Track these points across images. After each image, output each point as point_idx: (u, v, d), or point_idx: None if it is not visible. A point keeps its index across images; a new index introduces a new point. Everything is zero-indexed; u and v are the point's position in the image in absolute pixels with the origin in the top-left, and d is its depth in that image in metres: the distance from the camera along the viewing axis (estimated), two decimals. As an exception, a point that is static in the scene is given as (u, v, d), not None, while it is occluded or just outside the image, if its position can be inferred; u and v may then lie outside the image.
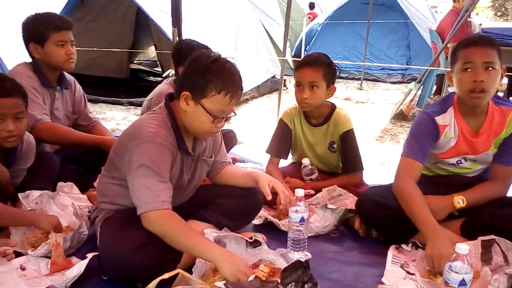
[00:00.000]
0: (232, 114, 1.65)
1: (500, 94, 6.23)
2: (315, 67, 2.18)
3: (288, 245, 1.79)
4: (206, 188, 1.91)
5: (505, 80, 5.74)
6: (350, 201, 2.11)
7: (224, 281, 1.42)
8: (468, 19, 5.57)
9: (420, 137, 1.89)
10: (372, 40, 7.72)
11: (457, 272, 1.34)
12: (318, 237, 2.00)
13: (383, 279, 1.60)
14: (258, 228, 2.02)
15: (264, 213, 2.05)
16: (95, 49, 5.03)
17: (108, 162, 1.71)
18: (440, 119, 1.87)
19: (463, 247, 1.33)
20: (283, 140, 2.42)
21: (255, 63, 6.32)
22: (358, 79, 8.04)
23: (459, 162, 1.92)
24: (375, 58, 8.17)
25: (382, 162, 3.33)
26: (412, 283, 1.59)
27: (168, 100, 1.68)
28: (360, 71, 8.06)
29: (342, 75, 8.77)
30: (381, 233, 1.95)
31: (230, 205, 1.82)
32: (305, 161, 2.30)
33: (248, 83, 5.97)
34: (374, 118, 5.14)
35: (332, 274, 1.70)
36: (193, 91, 1.56)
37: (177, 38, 3.30)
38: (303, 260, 1.49)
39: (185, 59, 2.38)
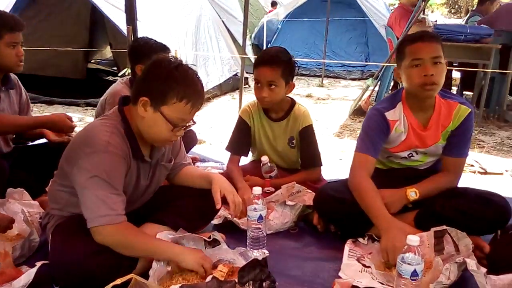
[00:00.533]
0: (192, 122, 1.61)
1: (454, 88, 6.50)
2: (273, 67, 2.16)
3: (247, 243, 1.79)
4: (162, 190, 1.87)
5: (458, 75, 5.99)
6: (308, 197, 2.13)
7: (180, 285, 1.40)
8: (422, 16, 5.75)
9: (372, 133, 1.93)
10: (331, 37, 7.85)
11: (409, 264, 1.37)
12: (277, 234, 2.01)
13: (340, 273, 1.62)
14: (218, 228, 2.01)
15: (223, 213, 2.04)
16: (48, 48, 4.83)
17: (59, 168, 1.64)
18: (389, 115, 1.92)
19: (413, 238, 1.36)
20: (242, 137, 2.41)
21: (216, 61, 6.28)
22: (319, 76, 8.15)
23: (410, 155, 1.98)
24: (335, 55, 8.31)
25: (341, 157, 3.39)
26: (368, 276, 1.62)
27: (122, 104, 1.61)
28: (321, 68, 8.17)
29: (303, 72, 8.88)
30: (338, 227, 1.99)
31: (187, 206, 1.79)
32: (264, 158, 2.31)
33: (210, 82, 5.93)
34: (334, 114, 5.22)
35: (291, 270, 1.71)
36: (152, 98, 1.50)
37: (133, 36, 3.22)
38: (260, 258, 1.49)
39: (142, 58, 2.38)
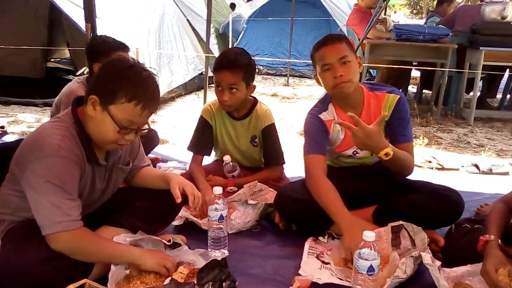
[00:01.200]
0: (146, 128, 1.56)
1: (414, 87, 6.69)
2: (234, 71, 2.13)
3: (208, 244, 1.78)
4: (120, 191, 1.82)
5: (418, 73, 6.17)
6: (270, 195, 2.13)
7: (136, 288, 1.37)
8: (384, 16, 5.89)
9: (314, 134, 1.98)
10: (296, 36, 7.91)
11: (365, 259, 1.39)
12: (239, 233, 2.01)
13: (300, 271, 1.63)
14: (179, 229, 1.99)
15: (185, 213, 2.01)
16: (2, 46, 4.63)
17: (10, 171, 1.56)
18: (324, 116, 1.99)
19: (369, 234, 1.39)
20: (203, 137, 2.38)
21: (181, 60, 6.20)
22: (285, 75, 8.21)
23: (355, 152, 2.04)
24: (300, 55, 8.36)
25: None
26: (328, 272, 1.64)
27: (76, 104, 1.55)
28: (287, 68, 8.23)
29: (269, 72, 8.93)
30: (299, 227, 2.00)
31: (145, 207, 1.75)
32: (226, 158, 2.30)
33: (174, 81, 5.85)
34: (299, 113, 5.26)
35: (252, 269, 1.71)
36: (101, 96, 1.45)
37: (91, 34, 3.13)
38: (220, 258, 1.48)
39: (100, 56, 2.32)
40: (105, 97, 1.45)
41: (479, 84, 4.91)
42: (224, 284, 1.47)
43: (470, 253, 1.59)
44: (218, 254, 1.64)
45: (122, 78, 1.44)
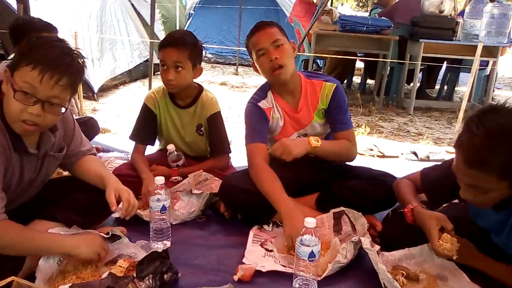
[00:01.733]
0: (58, 104, 1.38)
1: (358, 78, 6.88)
2: (179, 48, 2.08)
3: (150, 236, 1.73)
4: (54, 183, 1.72)
5: (362, 65, 6.35)
6: (216, 185, 2.11)
7: (70, 284, 1.30)
8: (330, 7, 5.99)
9: (254, 123, 2.00)
10: (245, 25, 7.83)
11: (307, 245, 1.41)
12: (184, 224, 1.97)
13: (244, 259, 1.63)
14: (120, 221, 1.90)
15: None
16: None
17: None
18: (263, 104, 2.01)
19: (310, 221, 1.40)
20: (147, 126, 2.30)
21: (125, 46, 5.97)
22: (234, 64, 8.16)
23: None
24: (250, 43, 8.34)
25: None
26: (271, 260, 1.65)
27: None
28: (236, 56, 8.17)
29: (219, 60, 8.83)
30: (244, 215, 2.00)
31: (81, 200, 1.65)
32: (170, 147, 2.23)
33: (118, 67, 5.64)
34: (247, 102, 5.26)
35: (195, 260, 1.68)
36: (10, 68, 1.35)
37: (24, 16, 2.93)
38: (160, 250, 1.44)
39: (24, 37, 2.14)
40: (12, 67, 1.35)
41: (418, 75, 5.14)
42: (165, 276, 1.44)
43: (406, 237, 1.66)
44: (160, 246, 1.60)
45: (28, 45, 1.35)
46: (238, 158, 2.54)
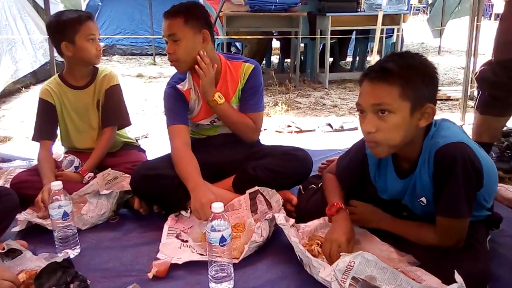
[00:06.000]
0: None
1: (276, 57, 6.96)
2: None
3: (56, 245, 1.61)
4: None
5: (278, 44, 6.42)
6: (127, 182, 2.00)
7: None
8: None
9: (173, 105, 1.96)
10: (157, 12, 7.57)
11: (218, 231, 1.38)
12: (95, 227, 1.86)
13: (158, 255, 1.57)
14: (23, 234, 1.76)
15: (26, 216, 1.80)
16: None
17: None
18: (181, 86, 1.96)
19: (217, 205, 1.37)
20: (48, 119, 2.17)
21: (27, 46, 5.52)
22: (151, 54, 7.89)
23: (213, 122, 2.04)
24: (165, 32, 8.08)
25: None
26: (188, 250, 1.61)
27: None
28: (152, 46, 7.90)
29: (135, 51, 8.49)
30: (161, 206, 1.93)
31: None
32: (56, 155, 2.07)
33: (20, 70, 5.21)
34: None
35: (108, 263, 1.59)
36: None
37: None
38: (60, 259, 1.34)
39: None
40: None
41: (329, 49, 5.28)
42: (71, 286, 1.34)
43: (320, 207, 1.69)
44: (60, 255, 1.49)
45: None
46: (155, 150, 2.45)
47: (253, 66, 2.00)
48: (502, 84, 2.15)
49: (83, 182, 2.03)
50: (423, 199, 1.45)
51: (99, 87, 2.18)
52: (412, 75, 1.29)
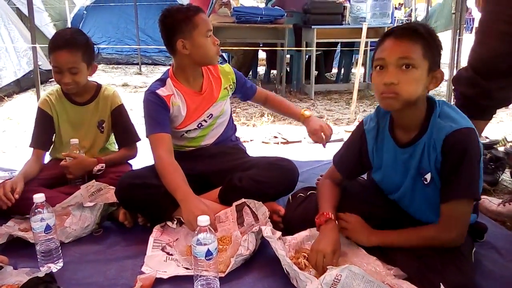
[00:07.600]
0: None
1: (262, 68, 6.99)
2: (72, 50, 1.98)
3: (38, 259, 1.57)
4: None
5: (264, 55, 6.45)
6: (111, 194, 1.97)
7: None
8: None
9: (154, 112, 1.94)
10: (143, 20, 7.59)
11: (205, 244, 1.36)
12: (78, 240, 1.82)
13: (143, 268, 1.54)
14: (3, 248, 1.72)
15: (6, 230, 1.76)
16: None
17: None
18: (161, 92, 1.96)
19: (203, 219, 1.36)
20: (44, 129, 2.18)
21: (10, 54, 5.47)
22: (137, 64, 7.85)
23: (200, 125, 2.06)
24: (152, 41, 8.05)
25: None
26: (174, 264, 1.59)
27: None
28: (137, 55, 7.85)
29: (120, 60, 8.44)
30: (147, 217, 1.90)
31: None
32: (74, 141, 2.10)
33: (3, 78, 5.15)
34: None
35: (91, 277, 1.55)
36: None
37: None
38: (42, 274, 1.31)
39: None
40: None
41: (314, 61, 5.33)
42: (53, 301, 1.31)
43: (307, 220, 1.69)
44: (43, 269, 1.46)
45: None
46: (141, 160, 2.42)
47: (228, 64, 2.17)
48: (473, 80, 2.20)
49: (94, 171, 2.09)
50: (428, 176, 1.47)
51: (102, 106, 2.18)
52: (433, 40, 1.40)
